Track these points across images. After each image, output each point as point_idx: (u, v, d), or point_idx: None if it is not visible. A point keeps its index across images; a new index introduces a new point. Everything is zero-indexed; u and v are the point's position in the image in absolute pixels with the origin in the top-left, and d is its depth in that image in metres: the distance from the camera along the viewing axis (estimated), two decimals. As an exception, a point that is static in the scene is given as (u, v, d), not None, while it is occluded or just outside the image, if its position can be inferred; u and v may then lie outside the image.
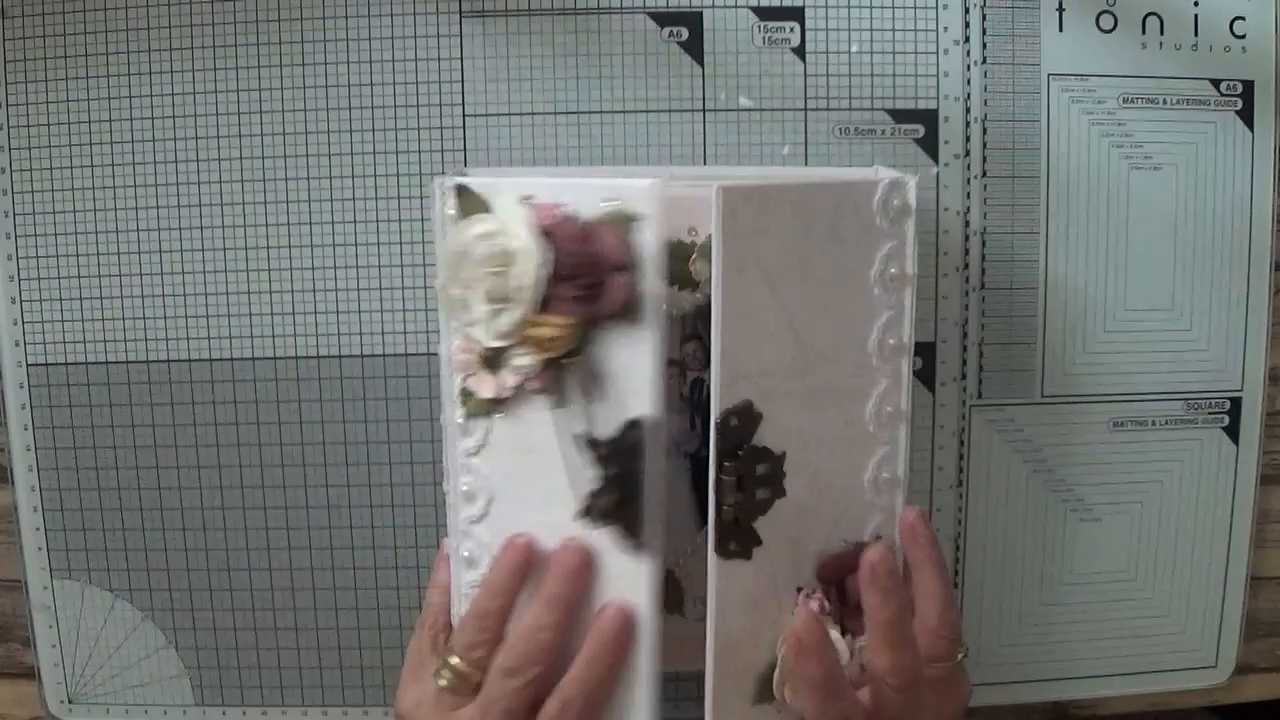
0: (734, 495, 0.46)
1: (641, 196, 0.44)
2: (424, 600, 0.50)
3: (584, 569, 0.45)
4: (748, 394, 0.46)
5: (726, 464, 0.45)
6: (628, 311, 0.45)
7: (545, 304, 0.44)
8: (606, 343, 0.45)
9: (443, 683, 0.46)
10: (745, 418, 0.46)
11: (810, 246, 0.46)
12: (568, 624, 0.45)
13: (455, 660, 0.46)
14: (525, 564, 0.46)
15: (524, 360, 0.45)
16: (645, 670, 0.46)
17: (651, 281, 0.44)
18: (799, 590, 0.48)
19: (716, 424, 0.45)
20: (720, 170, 0.56)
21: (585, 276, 0.44)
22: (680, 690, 0.52)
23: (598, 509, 0.46)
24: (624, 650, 0.45)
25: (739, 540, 0.47)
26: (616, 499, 0.46)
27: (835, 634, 0.48)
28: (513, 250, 0.44)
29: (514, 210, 0.45)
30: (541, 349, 0.45)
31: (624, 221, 0.44)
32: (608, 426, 0.45)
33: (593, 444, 0.46)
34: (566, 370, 0.45)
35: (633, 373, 0.45)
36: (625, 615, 0.45)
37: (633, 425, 0.45)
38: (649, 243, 0.44)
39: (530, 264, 0.44)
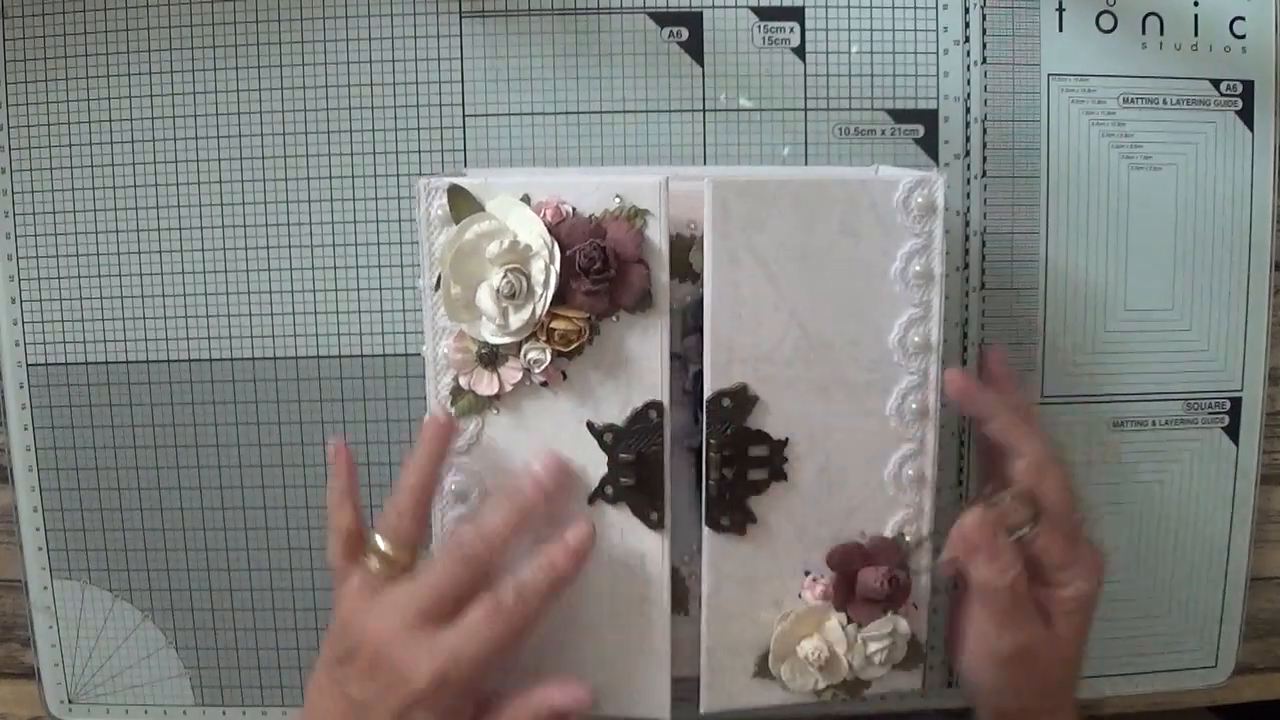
0: (718, 471, 0.47)
1: (648, 192, 0.46)
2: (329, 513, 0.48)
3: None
4: (743, 377, 0.47)
5: (713, 441, 0.47)
6: (643, 302, 0.47)
7: (561, 298, 0.46)
8: (619, 333, 0.47)
9: (374, 567, 0.45)
10: (739, 399, 0.47)
11: (816, 240, 0.47)
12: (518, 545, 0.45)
13: (382, 544, 0.46)
14: (445, 438, 0.47)
15: (537, 354, 0.46)
16: (660, 647, 0.49)
17: (663, 272, 0.46)
18: (806, 574, 0.49)
19: (707, 402, 0.47)
20: (721, 170, 0.56)
21: (602, 270, 0.45)
22: (681, 690, 0.51)
23: (619, 490, 0.48)
24: (583, 555, 0.45)
25: (730, 515, 0.48)
26: (634, 480, 0.47)
27: (837, 621, 0.49)
28: (526, 246, 0.45)
29: (517, 208, 0.46)
30: (558, 342, 0.46)
31: (635, 216, 0.46)
32: (623, 412, 0.47)
33: (607, 429, 0.47)
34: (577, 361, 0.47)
35: (647, 360, 0.47)
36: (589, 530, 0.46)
37: (651, 407, 0.47)
38: (658, 236, 0.46)
39: (546, 259, 0.45)
